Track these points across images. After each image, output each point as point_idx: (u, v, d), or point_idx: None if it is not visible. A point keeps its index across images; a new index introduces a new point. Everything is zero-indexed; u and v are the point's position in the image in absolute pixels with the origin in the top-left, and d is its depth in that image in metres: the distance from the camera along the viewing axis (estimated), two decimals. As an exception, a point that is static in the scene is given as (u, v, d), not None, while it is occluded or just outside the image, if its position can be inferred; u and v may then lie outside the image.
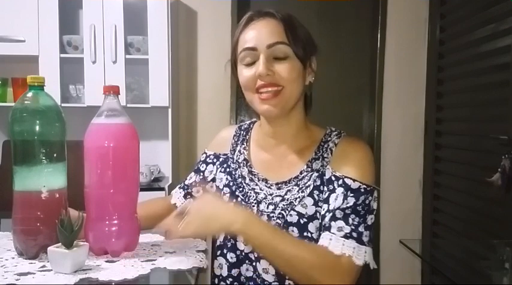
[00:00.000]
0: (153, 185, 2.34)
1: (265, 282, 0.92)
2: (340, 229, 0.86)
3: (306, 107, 1.01)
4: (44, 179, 0.84)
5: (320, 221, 0.90)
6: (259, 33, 0.90)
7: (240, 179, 1.00)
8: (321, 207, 0.91)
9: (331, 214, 0.88)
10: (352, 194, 0.88)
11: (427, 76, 2.59)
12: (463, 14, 2.27)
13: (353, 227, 0.86)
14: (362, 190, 0.88)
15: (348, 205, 0.87)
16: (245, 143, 1.06)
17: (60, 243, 0.79)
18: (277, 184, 0.96)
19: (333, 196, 0.89)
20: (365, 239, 0.86)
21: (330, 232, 0.86)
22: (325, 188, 0.92)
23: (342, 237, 0.85)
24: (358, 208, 0.87)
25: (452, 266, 1.31)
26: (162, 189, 2.24)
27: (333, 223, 0.87)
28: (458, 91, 2.33)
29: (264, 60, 0.89)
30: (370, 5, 2.64)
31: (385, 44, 2.61)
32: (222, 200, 0.94)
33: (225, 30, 2.55)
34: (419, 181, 2.65)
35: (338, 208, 0.87)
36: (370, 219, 0.88)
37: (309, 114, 1.02)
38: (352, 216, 0.87)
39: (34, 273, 0.78)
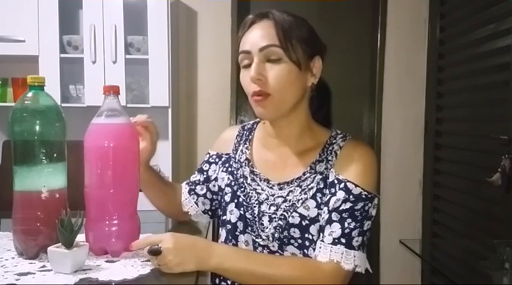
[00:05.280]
0: (153, 185, 2.34)
1: None
2: (330, 234, 0.86)
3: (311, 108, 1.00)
4: (44, 179, 0.84)
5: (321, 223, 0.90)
6: (254, 37, 0.91)
7: (241, 179, 1.00)
8: (323, 210, 0.91)
9: (328, 216, 0.88)
10: (352, 199, 0.88)
11: (427, 76, 2.59)
12: (463, 14, 2.26)
13: (345, 232, 0.86)
14: (363, 197, 0.89)
15: (345, 208, 0.87)
16: (248, 143, 1.06)
17: (60, 243, 0.79)
18: (279, 184, 0.96)
19: (333, 199, 0.89)
20: (355, 243, 0.86)
21: (320, 240, 0.88)
22: (327, 191, 0.92)
23: (330, 243, 0.86)
24: (356, 213, 0.88)
25: (452, 266, 1.31)
26: (162, 189, 2.23)
27: (326, 227, 0.88)
28: (458, 91, 2.33)
29: (256, 64, 0.89)
30: (370, 5, 2.64)
31: (385, 44, 2.60)
32: (190, 240, 0.84)
33: (225, 30, 2.54)
34: (419, 181, 2.65)
35: (335, 210, 0.88)
36: (366, 225, 0.89)
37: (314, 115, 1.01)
38: (349, 220, 0.87)
39: (34, 273, 0.78)
